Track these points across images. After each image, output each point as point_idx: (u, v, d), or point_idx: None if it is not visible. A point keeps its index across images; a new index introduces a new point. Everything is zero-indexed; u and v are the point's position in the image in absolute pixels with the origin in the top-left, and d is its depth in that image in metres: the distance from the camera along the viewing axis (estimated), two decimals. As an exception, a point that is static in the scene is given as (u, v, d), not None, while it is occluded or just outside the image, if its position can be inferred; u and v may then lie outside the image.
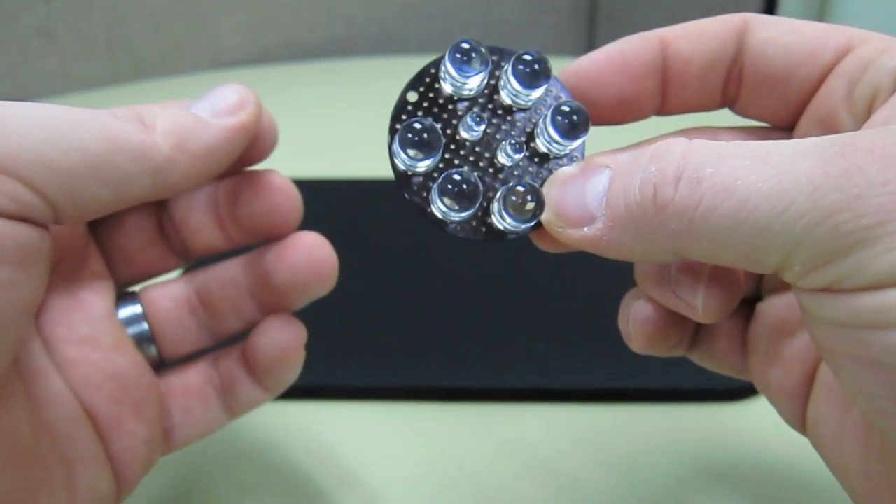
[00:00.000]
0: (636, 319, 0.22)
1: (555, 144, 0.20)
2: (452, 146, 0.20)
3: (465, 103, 0.20)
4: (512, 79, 0.20)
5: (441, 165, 0.20)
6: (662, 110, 0.21)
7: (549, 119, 0.19)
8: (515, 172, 0.20)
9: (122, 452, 0.22)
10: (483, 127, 0.20)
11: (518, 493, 0.28)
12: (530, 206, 0.19)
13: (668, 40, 0.20)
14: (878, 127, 0.16)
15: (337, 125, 0.58)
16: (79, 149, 0.18)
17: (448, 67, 0.19)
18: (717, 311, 0.20)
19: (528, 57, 0.19)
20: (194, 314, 0.24)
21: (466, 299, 0.37)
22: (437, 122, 0.19)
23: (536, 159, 0.20)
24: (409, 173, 0.20)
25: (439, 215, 0.19)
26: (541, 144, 0.20)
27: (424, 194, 0.20)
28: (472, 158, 0.20)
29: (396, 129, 0.20)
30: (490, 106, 0.20)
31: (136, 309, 0.24)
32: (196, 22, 0.75)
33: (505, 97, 0.20)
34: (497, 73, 0.20)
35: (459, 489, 0.28)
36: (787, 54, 0.20)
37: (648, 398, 0.32)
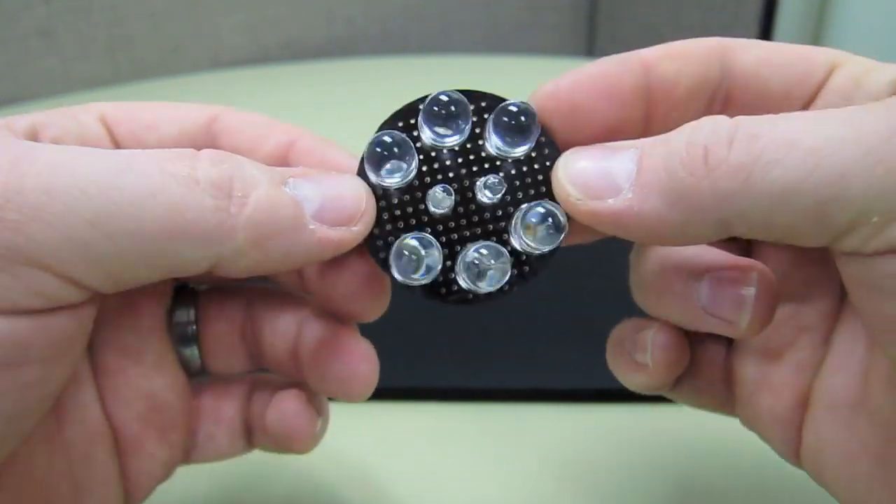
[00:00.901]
0: (657, 347, 0.20)
1: (501, 150, 0.19)
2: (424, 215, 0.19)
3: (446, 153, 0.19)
4: (494, 136, 0.19)
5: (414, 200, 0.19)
6: (645, 136, 0.19)
7: (491, 124, 0.18)
8: (498, 212, 0.19)
9: (139, 474, 0.21)
10: (452, 199, 0.19)
11: (518, 492, 0.28)
12: (547, 227, 0.18)
13: (650, 63, 0.19)
14: None
15: (337, 125, 0.58)
16: (132, 233, 0.15)
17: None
18: (761, 323, 0.19)
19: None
20: (244, 340, 0.23)
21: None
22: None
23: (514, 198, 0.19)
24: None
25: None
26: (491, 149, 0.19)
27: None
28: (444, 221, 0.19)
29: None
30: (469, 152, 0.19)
31: (189, 314, 0.22)
32: (196, 22, 0.75)
33: (489, 148, 0.19)
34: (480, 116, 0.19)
35: (459, 489, 0.28)
36: (782, 74, 0.19)
37: (649, 398, 0.32)
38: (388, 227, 0.19)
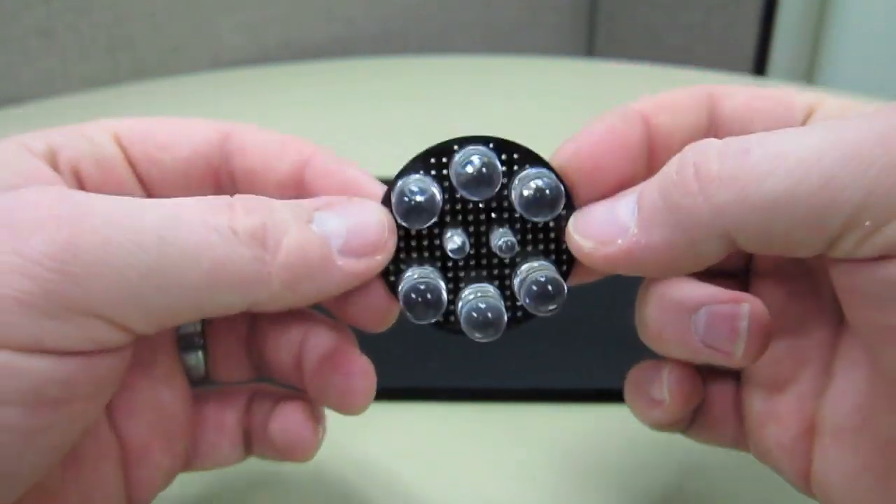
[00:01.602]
0: (673, 382, 0.21)
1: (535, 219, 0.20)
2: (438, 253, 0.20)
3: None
4: (519, 206, 0.19)
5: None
6: None
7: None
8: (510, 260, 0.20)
9: (143, 483, 0.21)
10: (468, 245, 0.20)
11: (518, 492, 0.28)
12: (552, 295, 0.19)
13: (647, 115, 0.20)
14: None
15: (337, 125, 0.58)
16: (180, 285, 0.16)
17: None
18: (756, 352, 0.19)
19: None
20: (249, 350, 0.23)
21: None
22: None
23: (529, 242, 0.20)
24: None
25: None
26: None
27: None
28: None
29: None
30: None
31: (196, 324, 0.23)
32: (196, 22, 0.75)
33: (514, 205, 0.20)
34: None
35: (459, 489, 0.28)
36: (764, 119, 0.20)
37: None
38: (402, 255, 0.20)
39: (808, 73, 0.94)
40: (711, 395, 0.22)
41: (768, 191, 0.15)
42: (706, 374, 0.22)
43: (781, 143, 0.15)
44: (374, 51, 0.87)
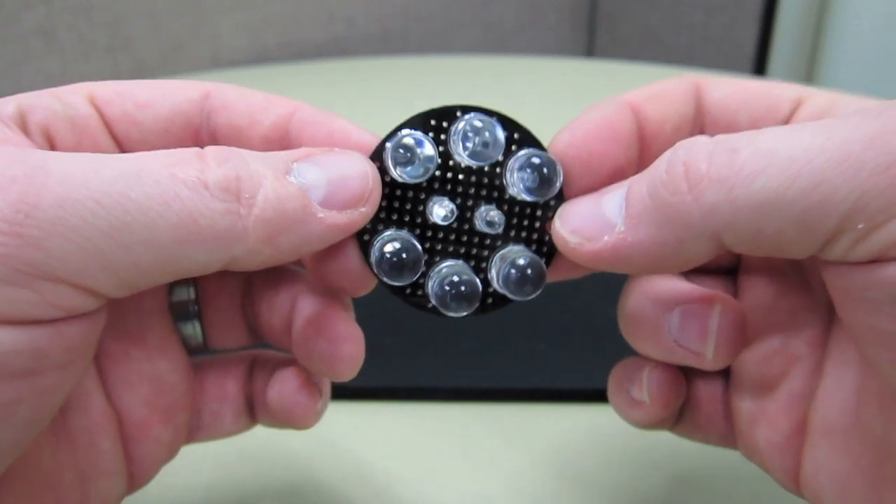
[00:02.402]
0: (653, 384, 0.21)
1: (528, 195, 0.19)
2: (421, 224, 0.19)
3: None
4: (516, 178, 0.19)
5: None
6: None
7: (519, 176, 0.19)
8: (498, 242, 0.20)
9: (144, 457, 0.21)
10: (454, 215, 0.19)
11: (518, 492, 0.28)
12: (531, 281, 0.19)
13: (636, 105, 0.20)
14: None
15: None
16: (147, 242, 0.15)
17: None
18: (727, 354, 0.19)
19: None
20: (244, 315, 0.23)
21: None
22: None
23: (515, 219, 0.20)
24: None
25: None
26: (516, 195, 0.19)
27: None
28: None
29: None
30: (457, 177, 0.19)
31: (190, 292, 0.22)
32: (196, 22, 0.75)
33: (507, 182, 0.19)
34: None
35: (459, 489, 0.28)
36: (749, 109, 0.20)
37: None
38: (382, 215, 0.19)
39: (808, 73, 0.94)
40: (699, 394, 0.22)
41: (758, 191, 0.15)
42: (693, 372, 0.22)
43: (771, 142, 0.15)
44: (374, 51, 0.87)
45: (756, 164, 0.15)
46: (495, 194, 0.19)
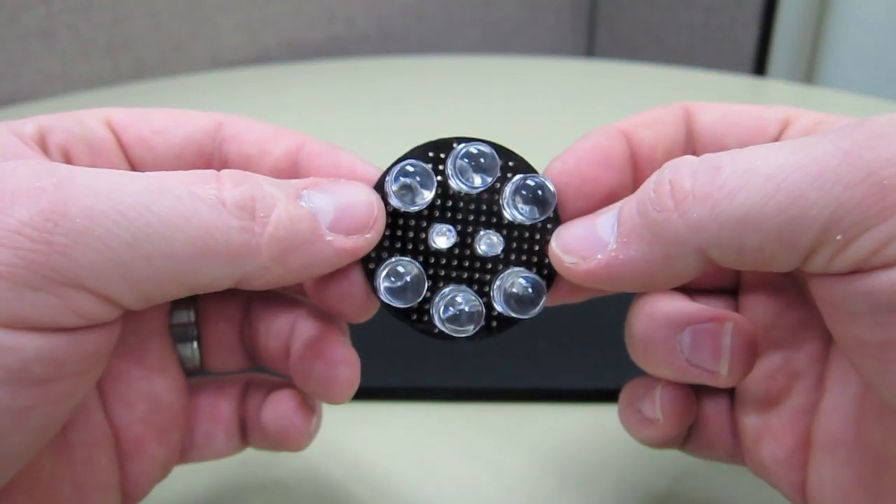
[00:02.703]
0: (665, 402, 0.21)
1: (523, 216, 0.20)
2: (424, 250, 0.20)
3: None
4: (510, 202, 0.20)
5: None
6: None
7: (513, 200, 0.20)
8: (500, 267, 0.20)
9: (139, 475, 0.21)
10: (454, 240, 0.20)
11: (517, 492, 0.28)
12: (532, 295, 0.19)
13: (628, 132, 0.20)
14: None
15: (337, 125, 0.58)
16: (166, 254, 0.16)
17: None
18: (741, 370, 0.19)
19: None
20: (242, 339, 0.23)
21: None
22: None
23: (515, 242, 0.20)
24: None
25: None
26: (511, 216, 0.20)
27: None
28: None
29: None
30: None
31: (190, 314, 0.23)
32: (196, 22, 0.75)
33: (503, 208, 0.20)
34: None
35: (459, 489, 0.28)
36: (738, 132, 0.20)
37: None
38: (386, 243, 0.20)
39: (808, 73, 0.94)
40: (706, 412, 0.23)
41: (738, 207, 0.15)
42: (700, 390, 0.22)
43: (751, 160, 0.15)
44: (374, 51, 0.87)
45: (737, 181, 0.15)
46: (494, 220, 0.20)
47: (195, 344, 0.23)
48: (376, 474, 0.29)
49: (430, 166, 0.19)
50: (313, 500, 0.28)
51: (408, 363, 0.33)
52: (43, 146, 0.20)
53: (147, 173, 0.17)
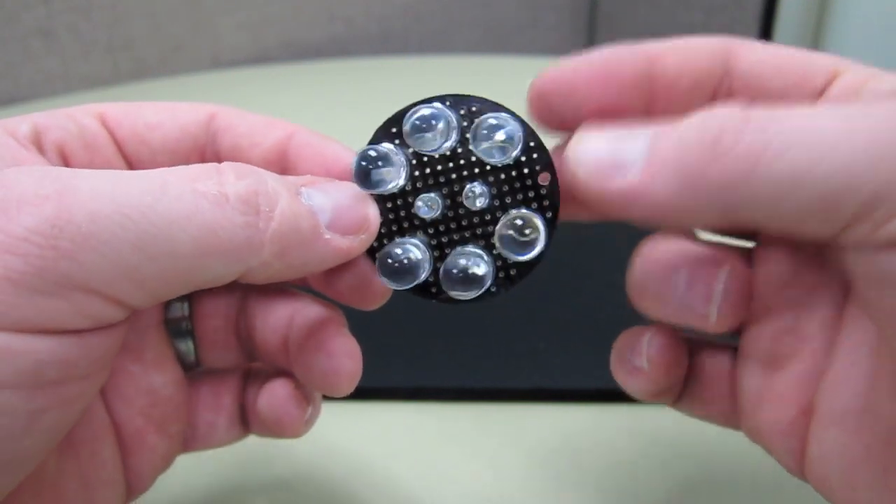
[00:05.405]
0: (653, 350, 0.21)
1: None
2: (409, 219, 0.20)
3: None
4: (477, 148, 0.19)
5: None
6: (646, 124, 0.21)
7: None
8: (487, 217, 0.20)
9: (141, 467, 0.21)
10: (441, 205, 0.20)
11: (517, 492, 0.28)
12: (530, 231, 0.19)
13: (654, 55, 0.20)
14: None
15: (337, 125, 0.58)
16: (171, 253, 0.16)
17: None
18: (730, 318, 0.19)
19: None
20: (238, 335, 0.23)
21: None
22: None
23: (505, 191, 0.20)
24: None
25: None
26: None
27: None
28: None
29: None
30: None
31: (184, 308, 0.23)
32: (196, 22, 0.75)
33: (477, 154, 0.20)
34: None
35: (459, 489, 0.28)
36: (782, 75, 0.20)
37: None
38: (382, 229, 0.20)
39: (808, 74, 0.94)
40: (704, 368, 0.22)
41: (783, 168, 0.15)
42: (700, 345, 0.22)
43: (803, 120, 0.15)
44: (374, 51, 0.87)
45: (785, 142, 0.15)
46: (476, 170, 0.20)
47: (190, 340, 0.23)
48: (376, 474, 0.29)
49: (394, 145, 0.19)
50: (314, 499, 0.28)
51: (408, 363, 0.33)
52: (39, 146, 0.20)
53: (148, 172, 0.17)
